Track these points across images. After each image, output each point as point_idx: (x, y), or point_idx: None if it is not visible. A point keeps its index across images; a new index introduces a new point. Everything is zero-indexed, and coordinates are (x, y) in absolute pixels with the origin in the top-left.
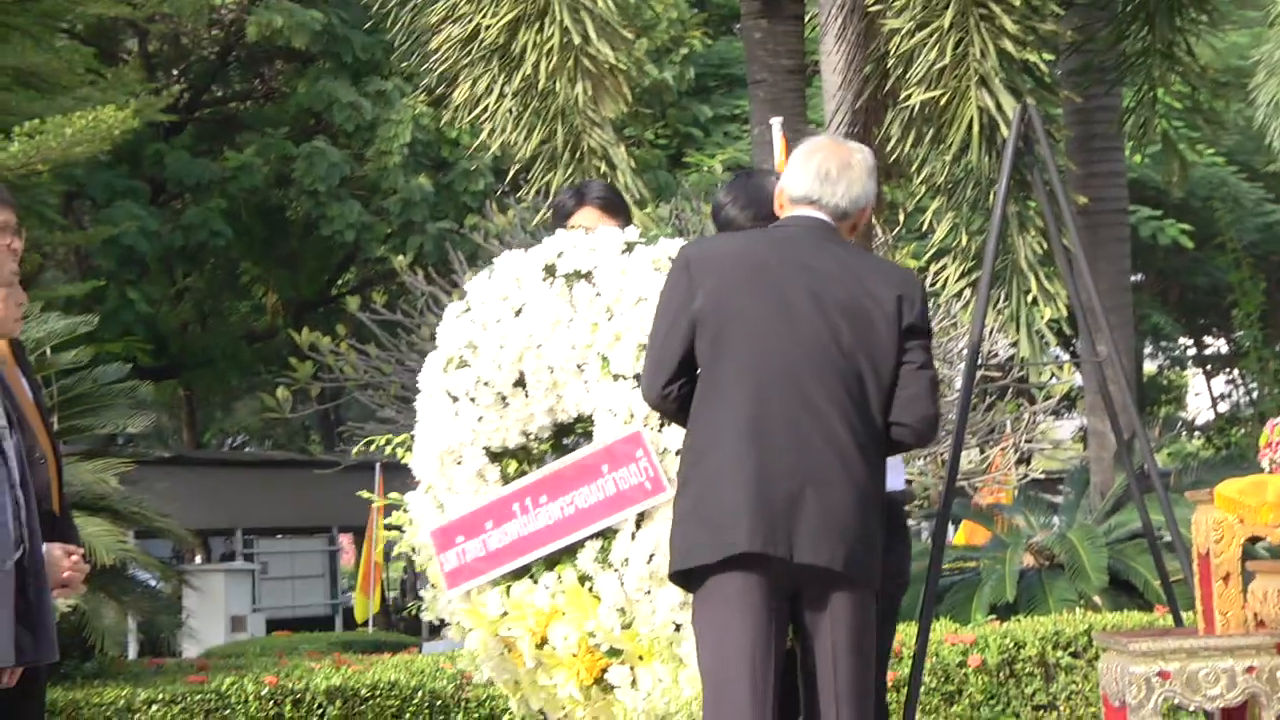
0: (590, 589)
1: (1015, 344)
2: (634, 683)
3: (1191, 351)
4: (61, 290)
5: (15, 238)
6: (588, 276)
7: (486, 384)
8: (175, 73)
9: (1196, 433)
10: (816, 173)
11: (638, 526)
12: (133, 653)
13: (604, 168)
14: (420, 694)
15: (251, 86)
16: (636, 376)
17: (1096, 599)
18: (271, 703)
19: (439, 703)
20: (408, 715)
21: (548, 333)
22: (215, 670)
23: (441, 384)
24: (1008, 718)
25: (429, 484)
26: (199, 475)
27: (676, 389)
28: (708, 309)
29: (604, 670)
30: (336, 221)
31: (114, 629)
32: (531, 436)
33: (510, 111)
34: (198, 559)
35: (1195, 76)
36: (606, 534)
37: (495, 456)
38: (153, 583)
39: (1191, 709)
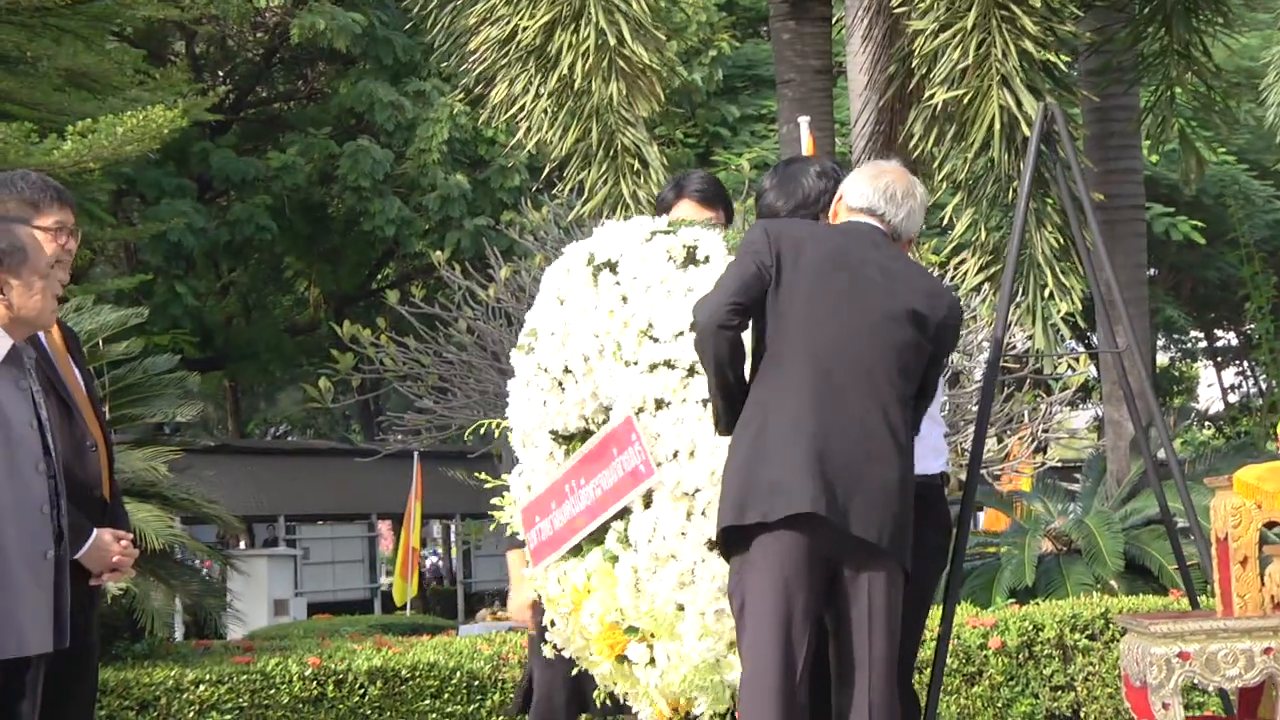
0: (615, 568)
1: (1032, 337)
2: (652, 660)
3: (1203, 344)
4: (111, 284)
5: (71, 238)
6: (612, 266)
7: (545, 370)
8: (221, 74)
9: (1207, 423)
10: (885, 191)
11: (645, 506)
12: (179, 634)
13: (637, 165)
14: (458, 674)
15: (295, 87)
16: (651, 366)
17: (1113, 583)
18: (315, 683)
19: (476, 683)
20: (446, 695)
21: (578, 320)
22: (260, 651)
23: (518, 369)
24: (1027, 698)
25: (521, 466)
26: (243, 463)
27: (738, 321)
28: (783, 270)
29: (624, 647)
30: (377, 217)
31: (163, 611)
32: (588, 420)
33: (546, 111)
34: (241, 544)
35: (1211, 76)
36: (625, 515)
37: (563, 439)
38: (200, 567)
39: (1210, 689)
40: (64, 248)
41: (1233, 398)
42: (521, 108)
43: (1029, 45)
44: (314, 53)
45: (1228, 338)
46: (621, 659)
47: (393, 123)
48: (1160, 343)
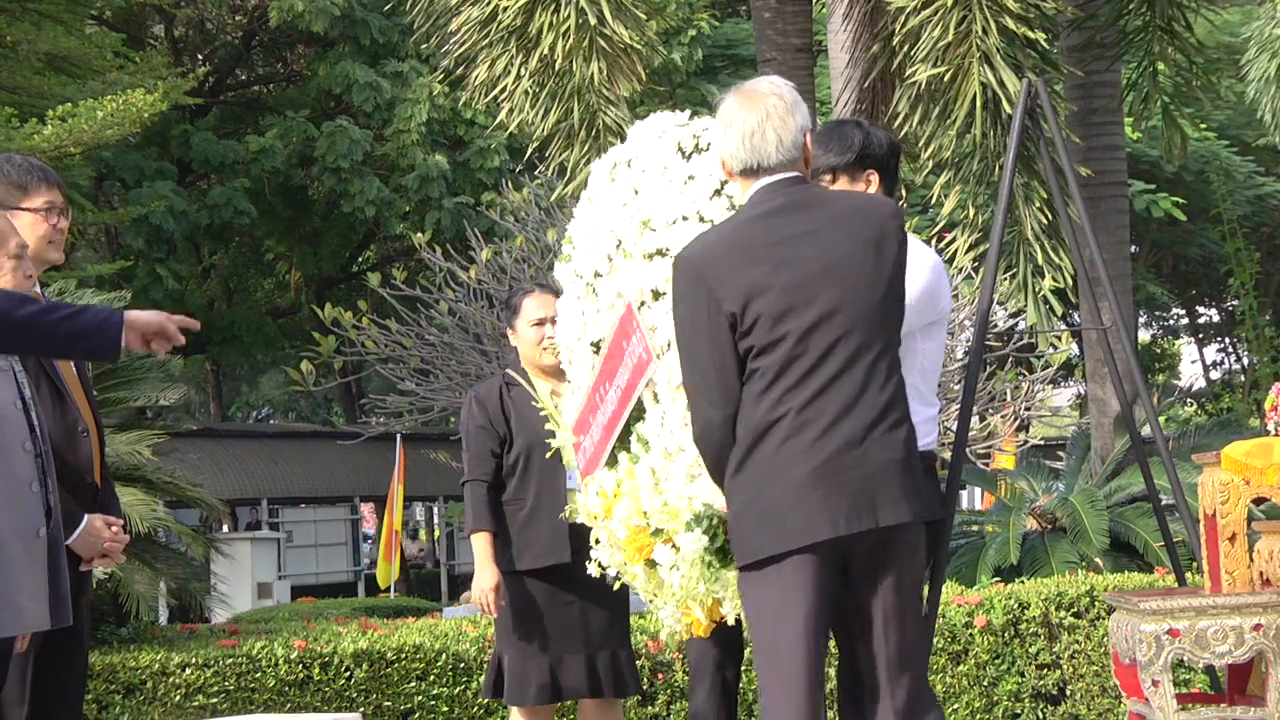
0: (636, 468)
1: (1016, 314)
2: (676, 564)
3: (1184, 321)
4: (92, 269)
5: (62, 217)
6: (630, 163)
7: (580, 276)
8: (200, 57)
9: (1190, 399)
10: (747, 139)
11: (655, 402)
12: (164, 618)
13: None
14: (444, 656)
15: (274, 70)
16: (647, 255)
17: (1098, 561)
18: (301, 666)
19: (462, 665)
20: (432, 677)
21: (602, 218)
22: (246, 635)
23: (561, 281)
24: (1013, 676)
25: (572, 385)
26: (226, 447)
27: (740, 401)
28: (740, 306)
29: (651, 550)
30: (358, 199)
31: (147, 595)
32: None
33: (527, 91)
34: (225, 528)
35: (1193, 52)
36: (643, 414)
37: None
38: (184, 550)
39: (1200, 666)
40: (55, 227)
41: (1215, 374)
42: (503, 88)
43: (1010, 22)
44: (292, 35)
45: (1209, 314)
46: (651, 564)
47: (371, 104)
48: (1142, 320)
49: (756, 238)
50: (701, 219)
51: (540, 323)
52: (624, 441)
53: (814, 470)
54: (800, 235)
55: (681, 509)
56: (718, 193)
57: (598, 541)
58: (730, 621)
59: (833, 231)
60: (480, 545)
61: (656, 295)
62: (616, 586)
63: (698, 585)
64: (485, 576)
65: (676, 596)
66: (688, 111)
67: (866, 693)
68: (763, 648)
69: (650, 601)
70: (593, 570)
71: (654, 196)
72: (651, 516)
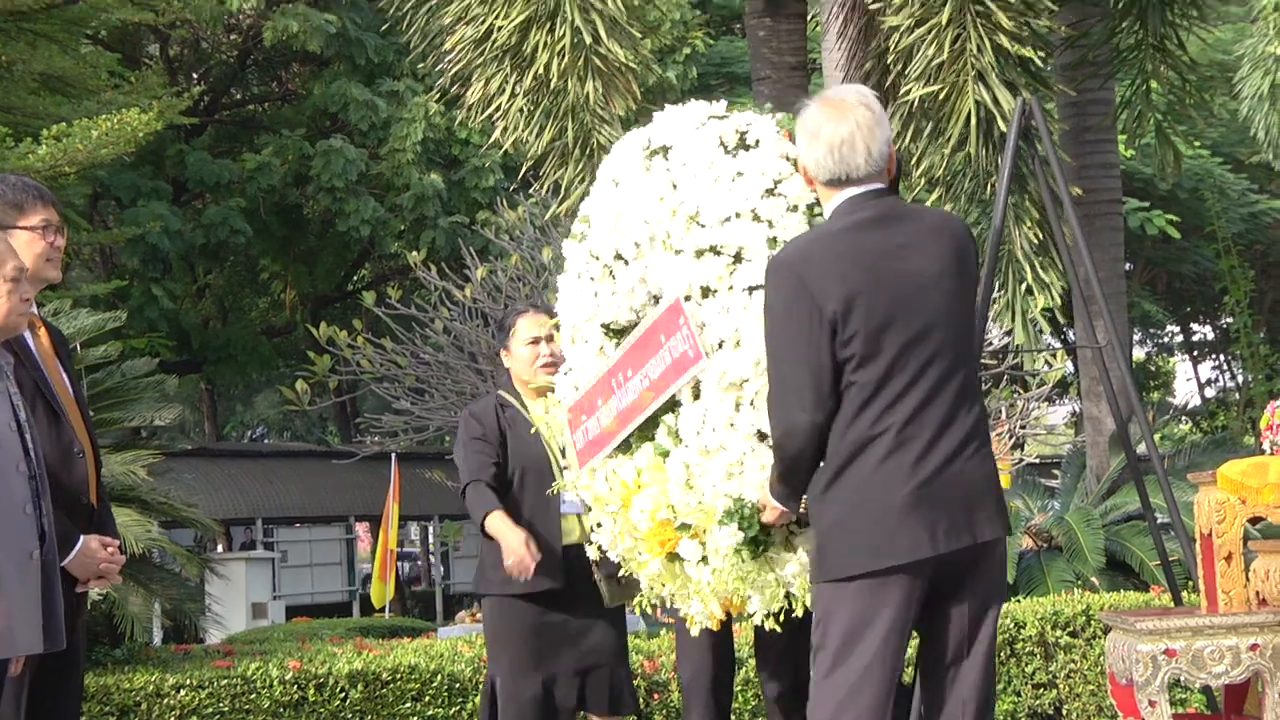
0: (666, 463)
1: (1010, 331)
2: (704, 558)
3: (1179, 339)
4: (87, 289)
5: (59, 235)
6: (665, 151)
7: (597, 257)
8: (195, 76)
9: (1185, 417)
10: (836, 149)
11: (694, 398)
12: (157, 639)
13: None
14: (439, 677)
15: (269, 89)
16: (697, 252)
17: (1094, 580)
18: (295, 687)
19: (457, 685)
20: (427, 698)
21: (631, 204)
22: (240, 656)
23: (570, 259)
24: (1009, 696)
25: (567, 366)
26: (221, 466)
27: (833, 405)
28: (841, 313)
29: (676, 544)
30: (353, 217)
31: (142, 616)
32: (637, 312)
33: (522, 110)
34: (219, 547)
35: (1186, 70)
36: (674, 408)
37: (614, 333)
38: (178, 571)
39: (1196, 686)
40: (53, 245)
41: (1210, 391)
42: (498, 107)
43: (1004, 40)
44: (287, 54)
45: (1204, 332)
46: (672, 557)
47: (366, 122)
48: (1137, 337)
49: (855, 248)
50: (757, 218)
51: (535, 341)
52: (646, 432)
53: (916, 488)
54: (896, 249)
55: (718, 507)
56: (770, 192)
57: (599, 525)
58: (757, 621)
59: (925, 247)
60: (496, 520)
61: (706, 292)
62: (621, 574)
63: (728, 584)
64: (513, 538)
65: (703, 594)
66: (722, 104)
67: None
68: (837, 660)
69: (651, 591)
70: (592, 554)
71: (700, 192)
72: (680, 512)
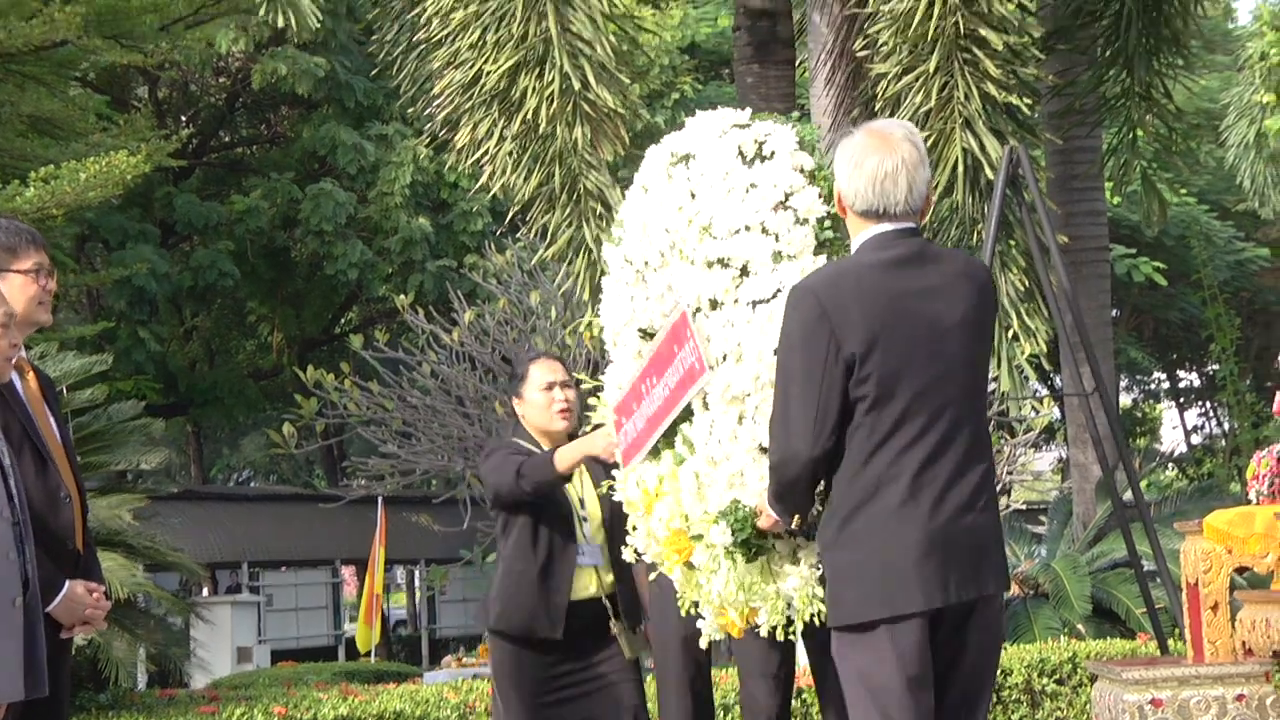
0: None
1: (996, 379)
2: (717, 568)
3: (1165, 385)
4: (74, 331)
5: (50, 279)
6: (688, 159)
7: (630, 262)
8: (184, 119)
9: (1171, 464)
10: (878, 183)
11: (705, 408)
12: (141, 683)
13: (600, 209)
14: None
15: (258, 131)
16: (707, 264)
17: (1080, 627)
18: None
19: None
20: None
21: (655, 213)
22: (225, 701)
23: (609, 261)
24: None
25: (612, 365)
26: (206, 509)
27: (833, 443)
28: (861, 351)
29: (690, 553)
30: (340, 261)
31: (126, 660)
32: (667, 316)
33: (510, 154)
34: (204, 591)
35: (1172, 118)
36: (690, 417)
37: (649, 336)
38: (164, 615)
39: None
40: (44, 289)
41: (1196, 438)
42: (486, 151)
43: (991, 88)
44: (276, 97)
45: (1190, 378)
46: (690, 566)
47: (355, 166)
48: (1123, 384)
49: (882, 287)
50: (765, 231)
51: (550, 387)
52: (669, 439)
53: (930, 536)
54: (922, 291)
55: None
56: (782, 205)
57: (634, 528)
58: (764, 633)
59: (950, 292)
60: (564, 450)
61: (714, 304)
62: (653, 577)
63: (737, 594)
64: (592, 438)
65: (714, 604)
66: (748, 110)
67: None
68: (864, 711)
69: (683, 600)
70: (628, 556)
71: (714, 202)
72: (692, 521)
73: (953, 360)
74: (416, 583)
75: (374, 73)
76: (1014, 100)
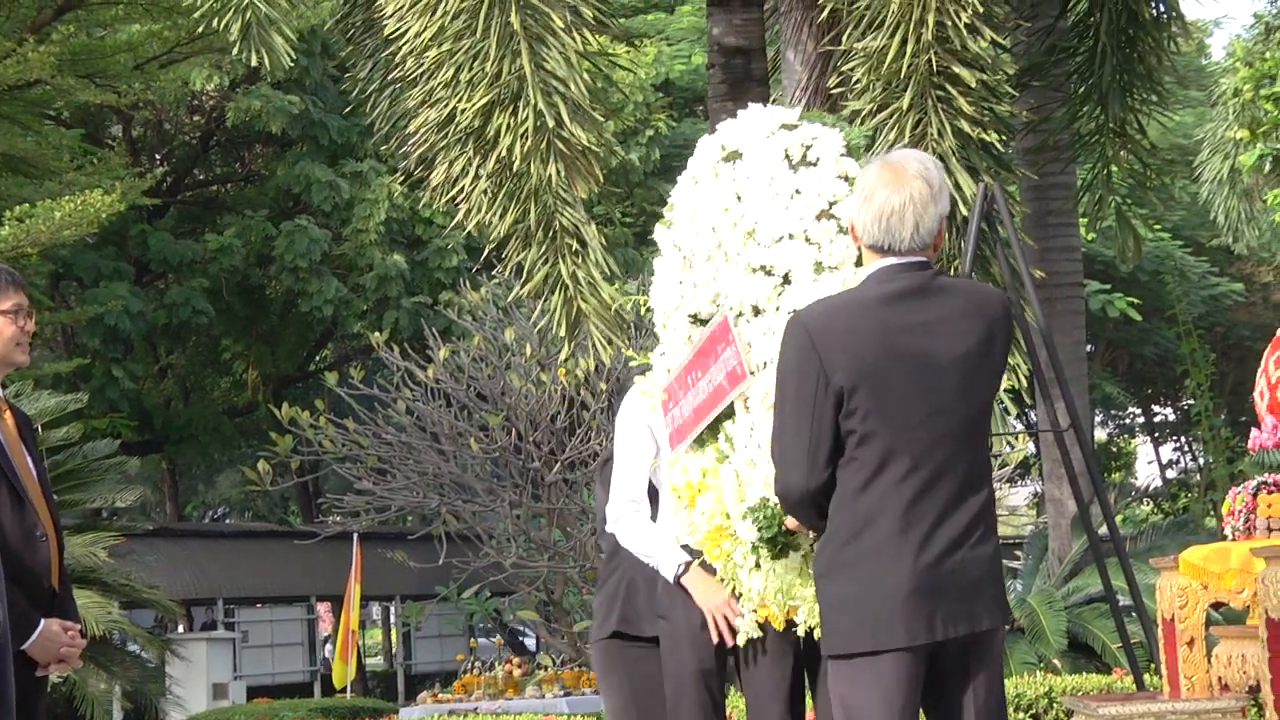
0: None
1: None
2: (757, 564)
3: (1141, 420)
4: (49, 368)
5: (29, 320)
6: (736, 157)
7: (679, 248)
8: (158, 157)
9: (1146, 499)
10: (884, 219)
11: (746, 410)
12: None
13: (575, 245)
14: None
15: (232, 169)
16: (750, 269)
17: (1056, 661)
18: None
19: None
20: None
21: (703, 209)
22: None
23: (660, 243)
24: None
25: (661, 347)
26: (182, 546)
27: (830, 472)
28: (848, 385)
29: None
30: (315, 298)
31: (102, 698)
32: (715, 304)
33: (485, 192)
34: (180, 628)
35: (1146, 154)
36: (732, 415)
37: (700, 322)
38: (139, 652)
39: None
40: (23, 330)
41: (1171, 473)
42: (461, 189)
43: (965, 125)
44: (250, 135)
45: (1165, 413)
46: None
47: (330, 203)
48: (1098, 418)
49: (876, 322)
50: (809, 240)
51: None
52: (713, 430)
53: (918, 573)
54: (919, 326)
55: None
56: (825, 214)
57: (677, 514)
58: (800, 633)
59: (951, 328)
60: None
61: (757, 311)
62: (696, 563)
63: (776, 595)
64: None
65: (753, 600)
66: (797, 109)
67: None
68: None
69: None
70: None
71: (759, 206)
72: (733, 519)
73: (950, 394)
74: (392, 619)
75: (348, 110)
76: (988, 137)
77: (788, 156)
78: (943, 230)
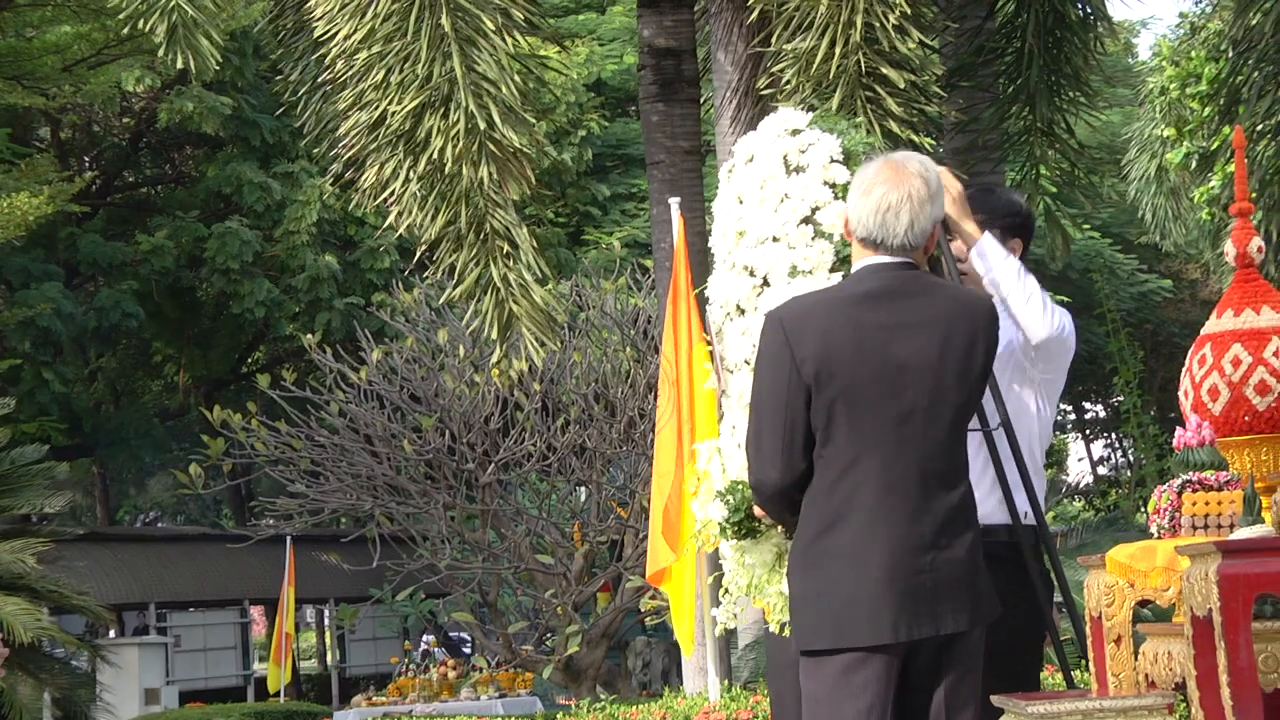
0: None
1: None
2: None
3: (1072, 417)
4: None
5: None
6: (748, 159)
7: (713, 250)
8: (87, 159)
9: (1077, 496)
10: (878, 212)
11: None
12: None
13: (507, 248)
14: None
15: (162, 171)
16: (733, 267)
17: None
18: None
19: None
20: None
21: (721, 210)
22: None
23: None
24: None
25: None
26: (113, 551)
27: (804, 467)
28: (818, 380)
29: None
30: (247, 300)
31: (31, 705)
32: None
33: (416, 194)
34: (111, 633)
35: (1075, 153)
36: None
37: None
38: (68, 658)
39: None
40: None
41: (1102, 470)
42: (392, 192)
43: (894, 126)
44: (181, 136)
45: (1096, 410)
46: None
47: (261, 204)
48: None
49: (849, 321)
50: (791, 246)
51: None
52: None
53: (884, 573)
54: (894, 327)
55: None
56: (806, 220)
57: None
58: (773, 629)
59: (927, 331)
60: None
61: (741, 310)
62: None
63: (748, 589)
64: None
65: (733, 595)
66: (806, 115)
67: None
68: None
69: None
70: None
71: (753, 208)
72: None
73: (922, 395)
74: (326, 621)
75: (279, 111)
76: (917, 138)
77: (786, 162)
78: (935, 234)
